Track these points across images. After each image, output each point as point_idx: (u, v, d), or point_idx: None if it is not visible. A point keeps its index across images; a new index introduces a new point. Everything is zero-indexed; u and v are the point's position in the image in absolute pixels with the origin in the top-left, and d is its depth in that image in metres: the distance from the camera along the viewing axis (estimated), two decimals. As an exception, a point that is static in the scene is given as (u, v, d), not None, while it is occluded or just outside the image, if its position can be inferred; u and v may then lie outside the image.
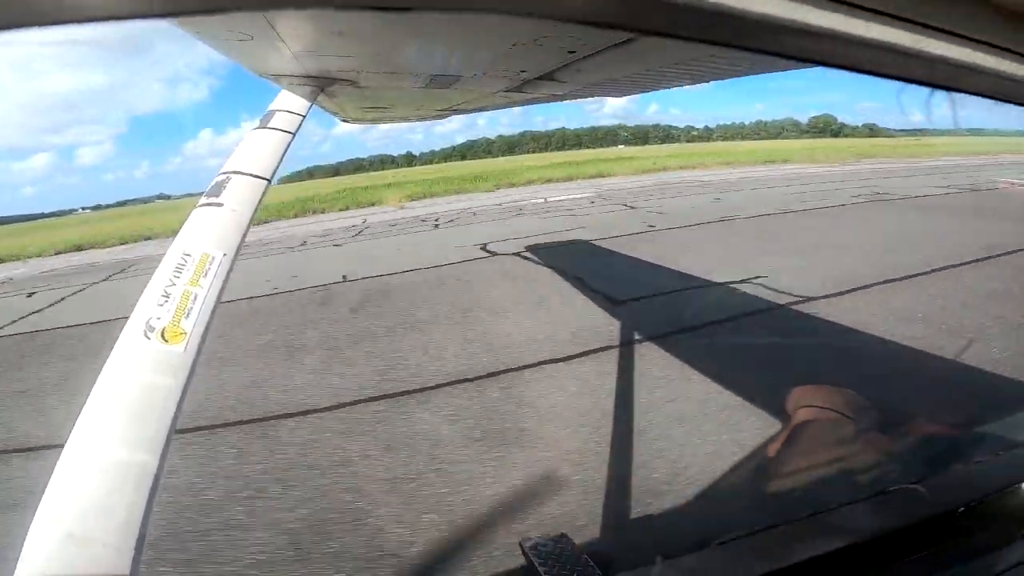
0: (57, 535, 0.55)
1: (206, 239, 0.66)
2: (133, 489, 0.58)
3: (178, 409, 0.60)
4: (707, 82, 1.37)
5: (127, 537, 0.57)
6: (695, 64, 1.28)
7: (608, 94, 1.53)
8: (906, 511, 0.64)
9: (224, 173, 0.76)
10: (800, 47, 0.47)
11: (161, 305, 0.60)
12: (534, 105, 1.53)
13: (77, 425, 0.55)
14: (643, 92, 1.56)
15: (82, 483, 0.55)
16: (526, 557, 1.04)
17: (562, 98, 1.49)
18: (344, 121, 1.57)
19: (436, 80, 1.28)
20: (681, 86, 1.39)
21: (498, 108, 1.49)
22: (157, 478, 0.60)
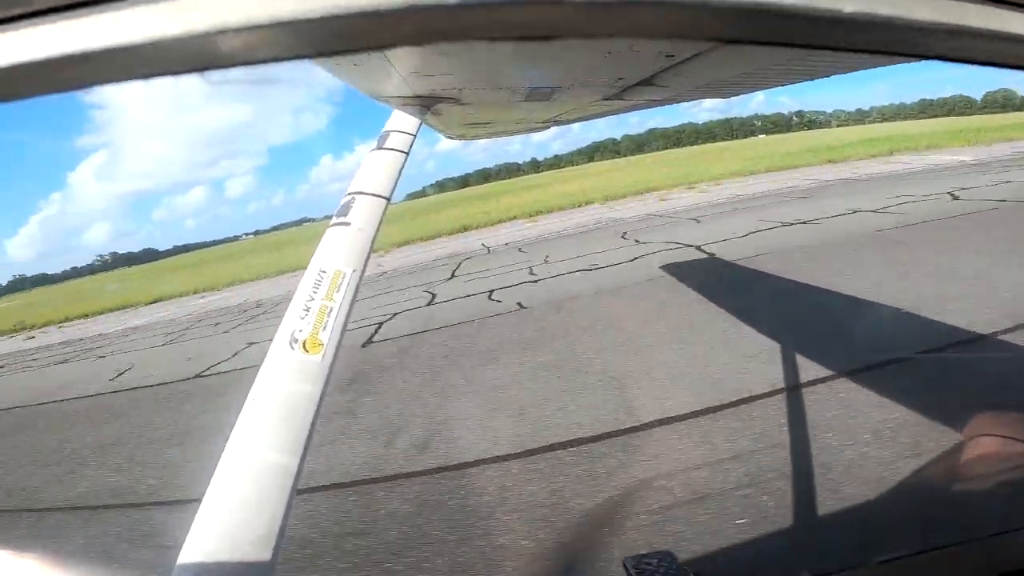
0: (218, 524, 0.61)
1: (338, 257, 0.71)
2: (279, 487, 0.63)
3: (316, 415, 0.65)
4: (825, 76, 1.27)
5: (271, 529, 0.63)
6: (809, 60, 1.19)
7: (712, 96, 1.46)
8: None
9: (350, 194, 0.81)
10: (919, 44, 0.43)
11: (302, 318, 0.66)
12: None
13: (236, 426, 0.61)
14: (751, 92, 1.48)
15: (239, 480, 0.61)
16: (628, 574, 1.01)
17: (663, 103, 1.44)
18: (448, 138, 1.63)
19: (535, 93, 1.30)
20: (795, 83, 1.30)
21: (599, 117, 1.47)
22: (297, 478, 0.66)
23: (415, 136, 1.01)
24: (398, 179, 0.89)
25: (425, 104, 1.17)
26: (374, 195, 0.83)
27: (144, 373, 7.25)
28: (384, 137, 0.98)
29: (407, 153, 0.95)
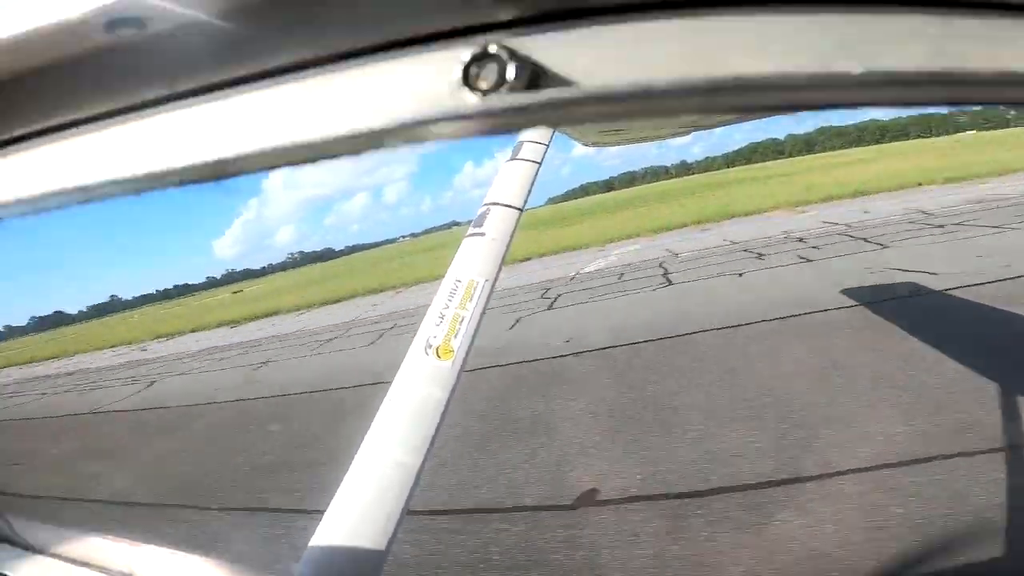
0: (345, 514, 0.67)
1: (472, 267, 0.74)
2: (400, 484, 0.67)
3: (442, 419, 0.68)
4: None
5: (390, 522, 0.66)
6: None
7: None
8: None
9: (486, 205, 0.84)
10: None
11: (437, 325, 0.69)
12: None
13: (373, 424, 0.66)
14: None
15: (367, 475, 0.66)
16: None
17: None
18: (585, 145, 1.62)
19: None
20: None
21: (744, 121, 1.33)
22: (418, 478, 0.69)
23: (548, 146, 1.01)
24: (531, 189, 0.89)
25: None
26: (507, 206, 0.84)
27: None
28: (518, 147, 0.99)
29: (540, 163, 0.95)
